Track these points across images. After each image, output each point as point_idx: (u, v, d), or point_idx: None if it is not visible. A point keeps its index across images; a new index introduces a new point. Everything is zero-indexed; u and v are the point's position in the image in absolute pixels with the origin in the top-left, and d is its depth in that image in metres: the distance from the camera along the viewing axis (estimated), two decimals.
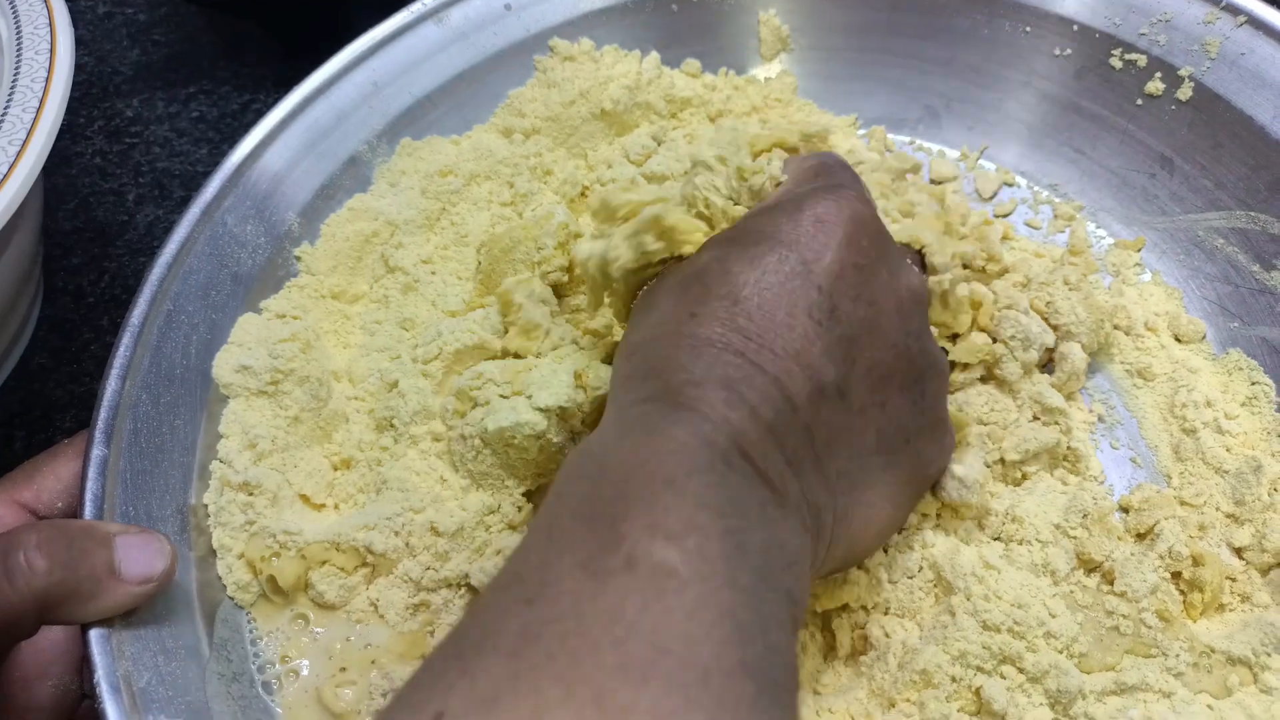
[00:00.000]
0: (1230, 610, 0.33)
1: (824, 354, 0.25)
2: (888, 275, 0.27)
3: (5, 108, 0.35)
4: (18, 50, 0.37)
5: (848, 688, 0.31)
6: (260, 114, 0.51)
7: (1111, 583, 0.32)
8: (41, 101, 0.35)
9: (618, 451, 0.23)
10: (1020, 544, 0.33)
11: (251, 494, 0.34)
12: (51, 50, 0.37)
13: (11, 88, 0.36)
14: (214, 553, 0.34)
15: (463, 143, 0.45)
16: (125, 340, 0.35)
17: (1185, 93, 0.40)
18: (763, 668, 0.19)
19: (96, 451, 0.33)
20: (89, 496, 0.32)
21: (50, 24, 0.38)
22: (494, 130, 0.45)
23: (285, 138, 0.41)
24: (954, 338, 0.36)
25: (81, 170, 0.50)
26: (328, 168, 0.42)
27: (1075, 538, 0.33)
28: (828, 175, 0.29)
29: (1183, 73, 0.40)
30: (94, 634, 0.29)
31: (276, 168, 0.41)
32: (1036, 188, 0.43)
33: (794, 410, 0.25)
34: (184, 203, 0.48)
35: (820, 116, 0.45)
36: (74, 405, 0.42)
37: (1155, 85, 0.41)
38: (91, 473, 0.32)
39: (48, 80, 0.36)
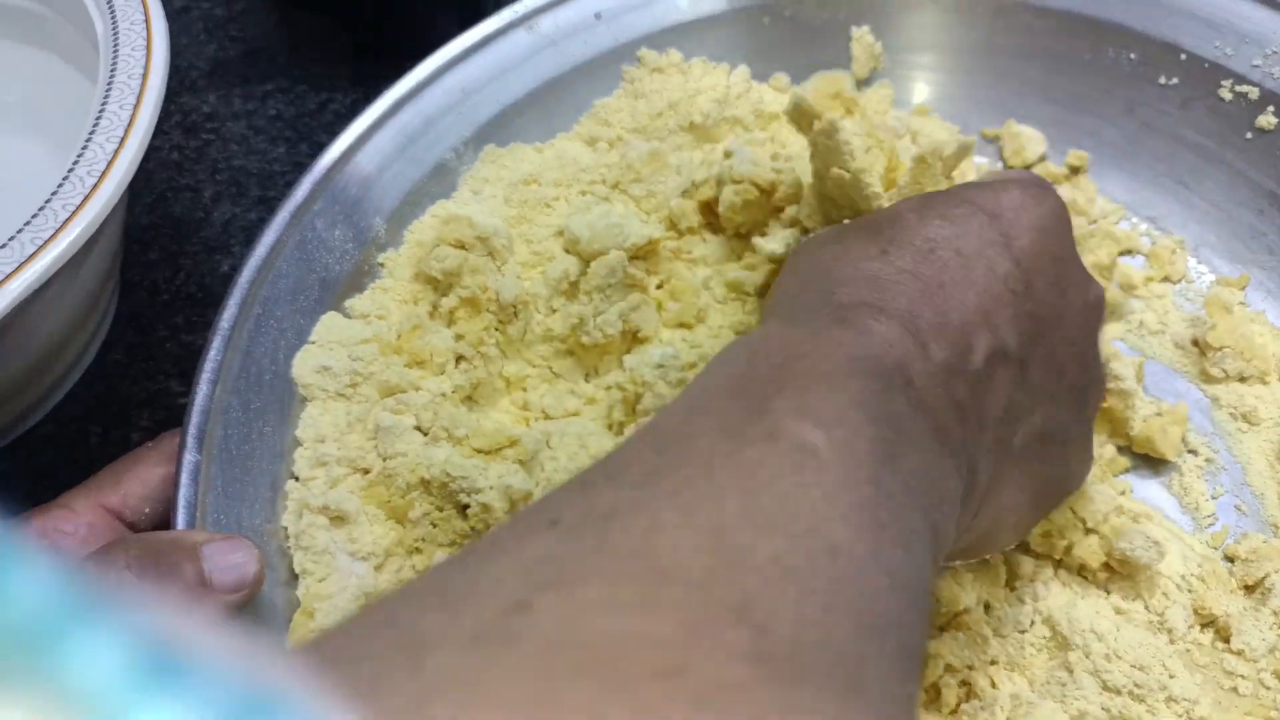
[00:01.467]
0: None
1: (1011, 322, 0.25)
2: (1079, 274, 0.28)
3: (103, 104, 0.35)
4: (114, 47, 0.36)
5: None
6: (338, 114, 0.51)
7: (1227, 640, 0.31)
8: (138, 99, 0.35)
9: (778, 340, 0.22)
10: (1135, 599, 0.32)
11: (330, 520, 0.34)
12: (148, 48, 0.36)
13: (108, 85, 0.35)
14: (295, 576, 0.33)
15: (546, 151, 0.44)
16: (216, 344, 0.35)
17: None
18: (898, 571, 0.18)
19: (189, 457, 0.32)
20: (182, 503, 0.31)
21: (146, 19, 0.37)
22: (578, 139, 0.44)
23: (375, 142, 0.41)
24: None
25: (158, 165, 0.49)
26: (415, 174, 0.41)
27: (1193, 591, 0.32)
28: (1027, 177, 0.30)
29: None
30: None
31: (365, 172, 0.40)
32: (1135, 219, 0.42)
33: (969, 361, 0.24)
34: (260, 201, 0.48)
35: (932, 122, 0.44)
36: (150, 403, 0.42)
37: (1268, 119, 0.39)
38: (184, 479, 0.32)
39: (144, 78, 0.35)
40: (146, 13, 0.37)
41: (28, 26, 0.44)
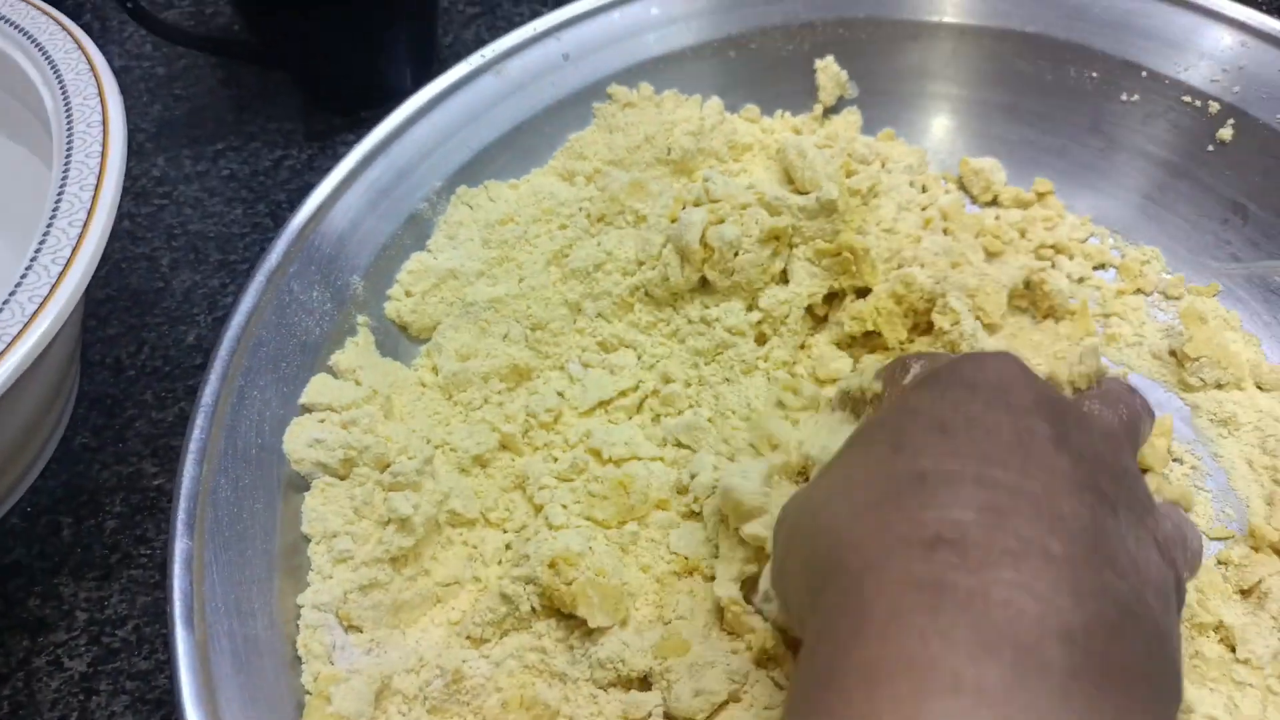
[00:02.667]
0: None
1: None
2: (1079, 408, 0.26)
3: (61, 186, 0.33)
4: (68, 124, 0.35)
5: None
6: (294, 170, 0.50)
7: (1233, 649, 0.32)
8: (99, 178, 0.33)
9: None
10: None
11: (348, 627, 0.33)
12: (104, 123, 0.35)
13: (65, 165, 0.33)
14: (299, 658, 0.32)
15: (521, 187, 0.44)
16: (199, 422, 0.34)
17: (1260, 139, 0.40)
18: None
19: (180, 545, 0.31)
20: (178, 595, 0.30)
21: (99, 93, 0.36)
22: (553, 174, 0.44)
23: (346, 199, 0.40)
24: None
25: (111, 235, 0.47)
26: (389, 227, 0.41)
27: (1189, 604, 0.32)
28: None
29: (1257, 119, 0.40)
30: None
31: (339, 230, 0.39)
32: (1104, 234, 0.43)
33: None
34: (222, 266, 0.47)
35: (898, 147, 0.45)
36: (123, 487, 0.40)
37: (1227, 132, 0.41)
38: (177, 569, 0.31)
39: (102, 156, 0.34)
40: (99, 85, 0.36)
41: None
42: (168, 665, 0.29)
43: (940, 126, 0.45)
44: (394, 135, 0.41)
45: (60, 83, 0.35)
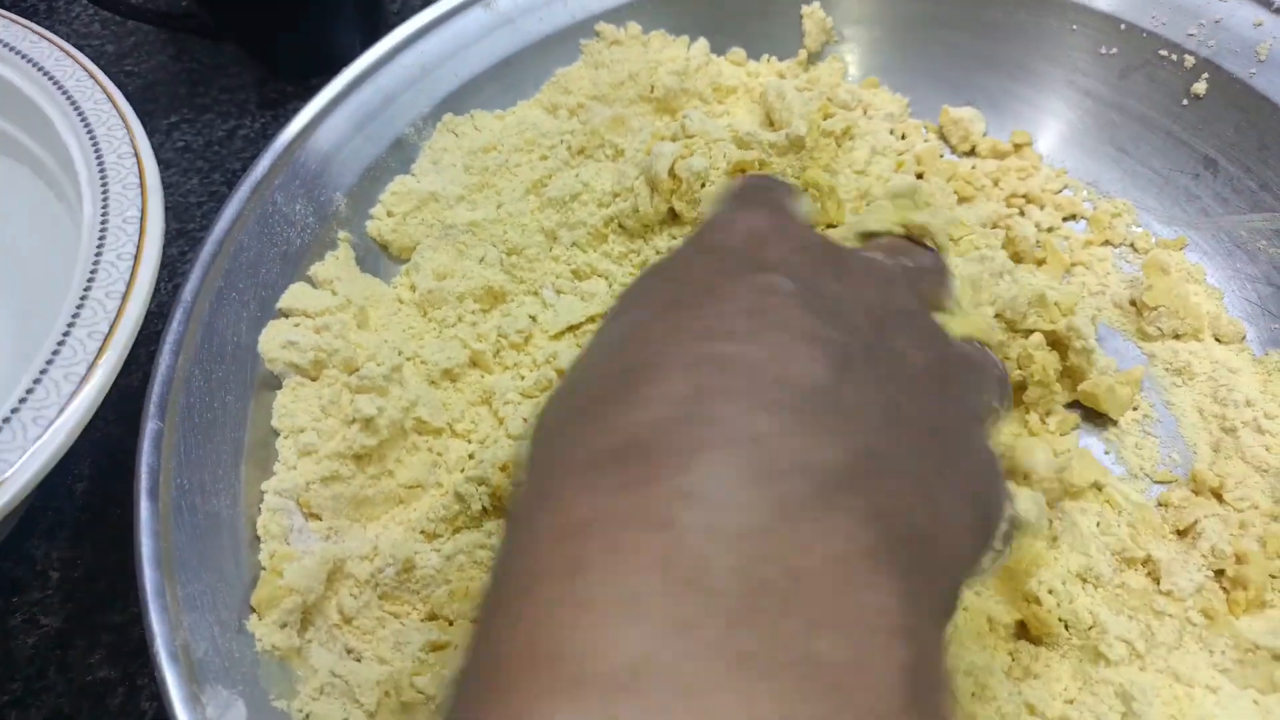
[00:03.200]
0: (1273, 607, 0.33)
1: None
2: (850, 256, 0.24)
3: (97, 254, 0.32)
4: (103, 183, 0.34)
5: None
6: (248, 139, 0.51)
7: (1158, 582, 0.33)
8: (138, 249, 0.33)
9: None
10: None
11: (308, 514, 0.35)
12: (141, 186, 0.34)
13: (101, 230, 0.33)
14: (258, 539, 0.34)
15: (507, 118, 0.45)
16: (178, 316, 0.35)
17: (1232, 94, 0.40)
18: None
19: (151, 425, 0.33)
20: (144, 469, 0.32)
21: (135, 152, 0.35)
22: (538, 106, 0.45)
23: (333, 119, 0.41)
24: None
25: None
26: (374, 149, 0.42)
27: (1120, 536, 0.33)
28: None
29: (1231, 74, 0.40)
30: (152, 605, 0.29)
31: (325, 148, 0.41)
32: (1077, 185, 0.44)
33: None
34: (180, 235, 0.48)
35: (881, 94, 0.45)
36: (91, 451, 0.40)
37: (1201, 86, 0.41)
38: (146, 446, 0.32)
39: (141, 222, 0.33)
40: (134, 144, 0.34)
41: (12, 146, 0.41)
42: (141, 618, 0.29)
43: (922, 75, 0.46)
44: (382, 61, 0.43)
45: (88, 127, 0.35)
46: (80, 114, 0.35)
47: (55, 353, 0.30)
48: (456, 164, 0.43)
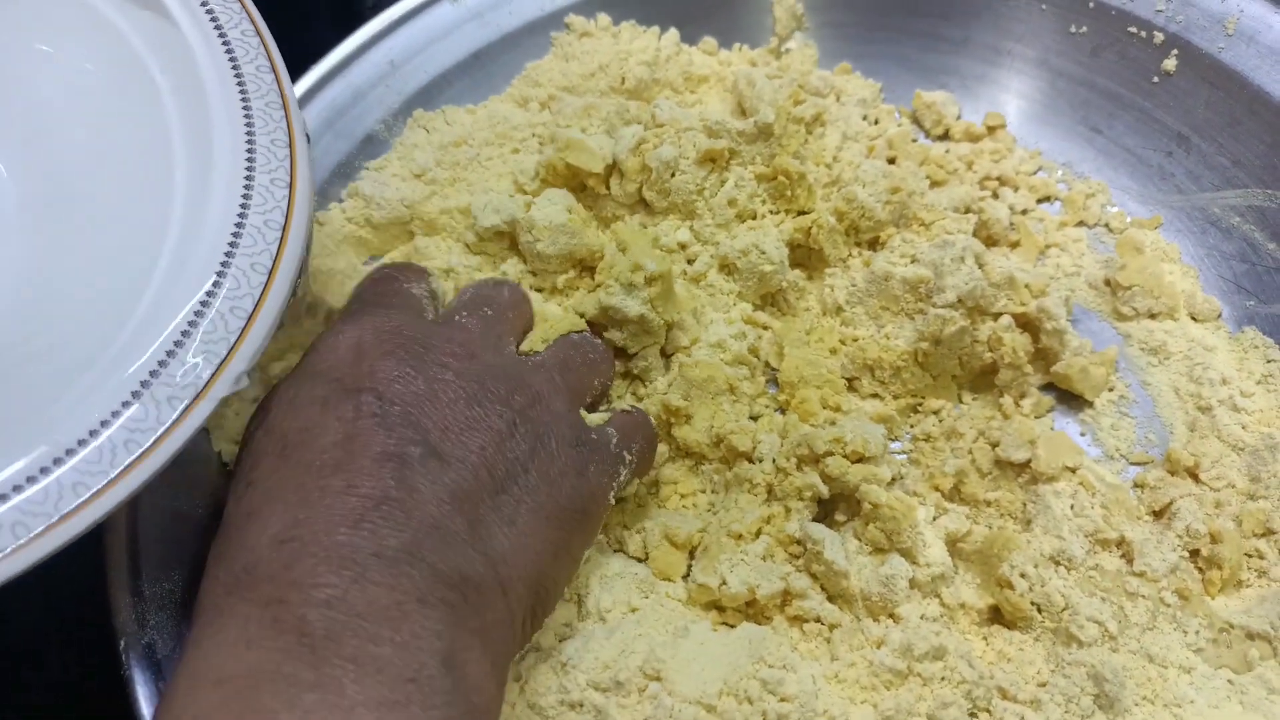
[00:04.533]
0: (1248, 586, 0.33)
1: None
2: (439, 336, 0.30)
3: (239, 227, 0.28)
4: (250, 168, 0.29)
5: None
6: None
7: (1131, 563, 0.32)
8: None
9: None
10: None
11: None
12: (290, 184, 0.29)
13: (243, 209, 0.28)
14: None
15: (478, 112, 0.45)
16: None
17: (1202, 70, 0.40)
18: None
19: None
20: None
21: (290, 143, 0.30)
22: (509, 100, 0.45)
23: (304, 114, 0.41)
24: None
25: None
26: (344, 146, 0.42)
27: (1092, 518, 0.33)
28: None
29: (1200, 50, 0.40)
30: (120, 603, 0.30)
31: None
32: (1052, 166, 0.43)
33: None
34: None
35: (854, 80, 0.45)
36: None
37: (1171, 63, 0.40)
38: None
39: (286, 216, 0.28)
40: (290, 136, 0.29)
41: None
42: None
43: (894, 60, 0.46)
44: (352, 57, 0.42)
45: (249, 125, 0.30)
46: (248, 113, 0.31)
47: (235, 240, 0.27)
48: (428, 160, 0.42)
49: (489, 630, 0.25)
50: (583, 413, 0.31)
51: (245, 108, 0.31)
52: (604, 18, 0.46)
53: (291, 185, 0.29)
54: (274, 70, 0.32)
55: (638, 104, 0.44)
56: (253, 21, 0.33)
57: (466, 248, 0.40)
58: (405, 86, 0.43)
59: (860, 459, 0.33)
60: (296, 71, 0.42)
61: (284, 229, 0.28)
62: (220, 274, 0.27)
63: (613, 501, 0.31)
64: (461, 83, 0.45)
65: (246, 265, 0.27)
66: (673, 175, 0.39)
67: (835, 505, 0.34)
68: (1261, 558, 0.33)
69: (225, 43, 0.32)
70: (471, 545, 0.25)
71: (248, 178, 0.29)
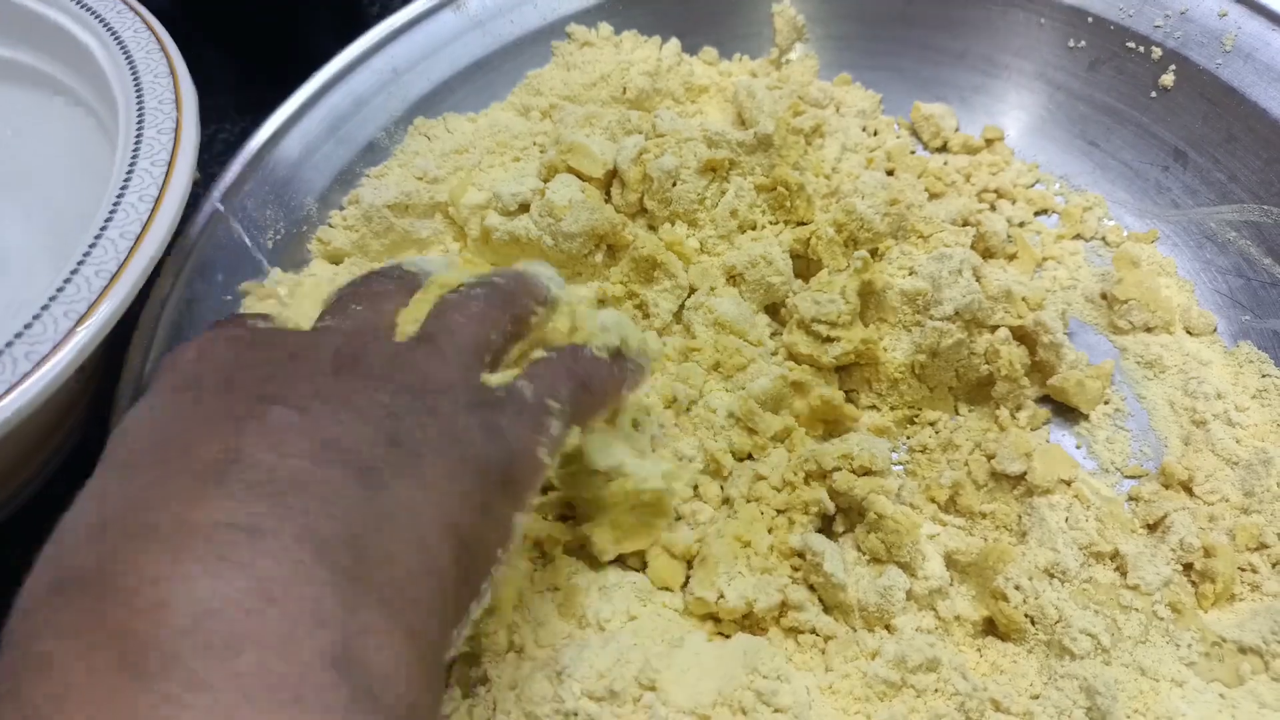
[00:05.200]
0: (1241, 600, 0.33)
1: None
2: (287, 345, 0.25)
3: (120, 193, 0.32)
4: (139, 121, 0.34)
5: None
6: (227, 143, 0.51)
7: (1125, 575, 0.32)
8: (161, 192, 0.32)
9: None
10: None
11: None
12: (176, 131, 0.34)
13: (128, 170, 0.32)
14: None
15: (479, 120, 0.45)
16: (145, 318, 0.36)
17: (1200, 85, 0.40)
18: None
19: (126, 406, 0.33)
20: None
21: (176, 97, 0.35)
22: (511, 109, 0.45)
23: (304, 123, 0.41)
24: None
25: None
26: (346, 153, 0.42)
27: (1087, 531, 0.33)
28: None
29: (1198, 65, 0.40)
30: None
31: (295, 153, 0.41)
32: (1049, 179, 0.43)
33: None
34: None
35: (854, 91, 0.45)
36: (72, 456, 0.39)
37: (1169, 78, 0.41)
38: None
39: (168, 169, 0.33)
40: (177, 91, 0.35)
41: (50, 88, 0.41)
42: None
43: (894, 71, 0.46)
44: (353, 65, 0.43)
45: (134, 70, 0.35)
46: (119, 41, 0.36)
47: (87, 254, 0.30)
48: (429, 166, 0.43)
49: (400, 593, 0.20)
50: (485, 376, 0.27)
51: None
52: (605, 27, 0.46)
53: (170, 166, 0.32)
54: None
55: (639, 114, 0.44)
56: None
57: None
58: (407, 94, 0.44)
59: (867, 472, 0.34)
60: (299, 79, 0.42)
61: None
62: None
63: (545, 459, 0.26)
64: (463, 90, 0.45)
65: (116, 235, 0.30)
66: (674, 185, 0.40)
67: (834, 514, 0.35)
68: (1255, 572, 0.33)
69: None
70: (363, 497, 0.21)
71: (131, 162, 0.32)
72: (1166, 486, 0.36)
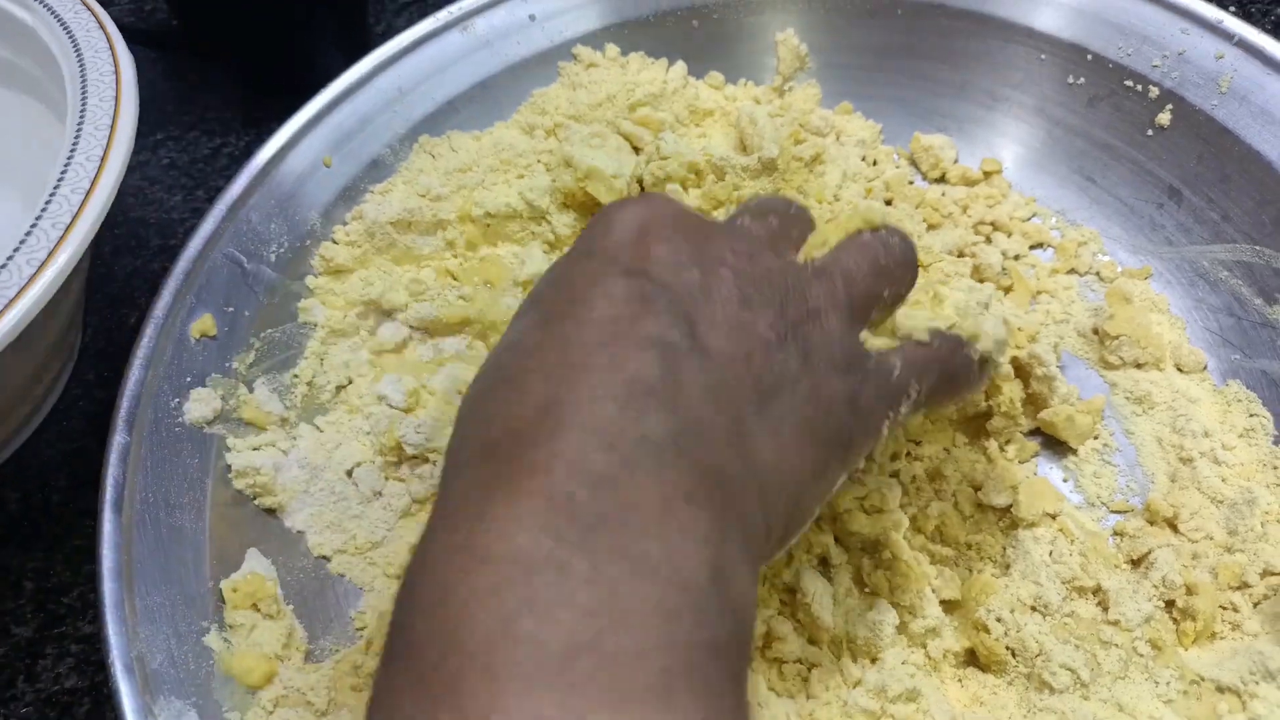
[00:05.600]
0: (1221, 639, 0.33)
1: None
2: (720, 230, 0.27)
3: (70, 155, 0.35)
4: (82, 97, 0.37)
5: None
6: (233, 156, 0.52)
7: (1106, 610, 0.33)
8: (106, 150, 0.35)
9: None
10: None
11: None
12: (116, 98, 0.37)
13: (76, 135, 0.35)
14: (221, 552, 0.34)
15: (483, 138, 0.45)
16: (149, 332, 0.36)
17: (1196, 125, 0.40)
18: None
19: (118, 439, 0.34)
20: (110, 482, 0.33)
21: (115, 70, 0.38)
22: (515, 127, 0.46)
23: (310, 139, 0.42)
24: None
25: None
26: (351, 170, 0.43)
27: (1070, 565, 0.33)
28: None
29: (1194, 106, 0.41)
30: (110, 616, 0.30)
31: (300, 168, 0.42)
32: (1045, 213, 0.44)
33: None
34: (161, 251, 0.48)
35: (855, 121, 0.46)
36: (66, 464, 0.41)
37: (1165, 117, 0.41)
38: (113, 459, 0.33)
39: (111, 129, 0.36)
40: (116, 64, 0.38)
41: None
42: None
43: (894, 102, 0.46)
44: (360, 83, 0.43)
45: (80, 60, 0.38)
46: (71, 38, 0.39)
47: (22, 241, 0.32)
48: (432, 182, 0.43)
49: (748, 537, 0.23)
50: (864, 335, 0.27)
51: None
52: (612, 48, 0.47)
53: (112, 129, 0.35)
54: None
55: (645, 131, 0.45)
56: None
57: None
58: (412, 112, 0.44)
59: (879, 511, 0.34)
60: (305, 95, 0.43)
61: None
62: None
63: (885, 434, 0.27)
64: (469, 110, 0.46)
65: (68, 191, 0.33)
66: None
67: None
68: (1236, 611, 0.34)
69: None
70: (733, 445, 0.23)
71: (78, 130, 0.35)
72: (1151, 523, 0.36)
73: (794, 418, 0.24)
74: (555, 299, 0.24)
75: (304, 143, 0.42)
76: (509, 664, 0.18)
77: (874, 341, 0.27)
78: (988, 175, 0.45)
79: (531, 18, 0.46)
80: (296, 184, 0.41)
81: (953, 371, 0.29)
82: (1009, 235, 0.43)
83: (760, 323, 0.25)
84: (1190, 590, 0.33)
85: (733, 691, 0.20)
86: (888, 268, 0.28)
